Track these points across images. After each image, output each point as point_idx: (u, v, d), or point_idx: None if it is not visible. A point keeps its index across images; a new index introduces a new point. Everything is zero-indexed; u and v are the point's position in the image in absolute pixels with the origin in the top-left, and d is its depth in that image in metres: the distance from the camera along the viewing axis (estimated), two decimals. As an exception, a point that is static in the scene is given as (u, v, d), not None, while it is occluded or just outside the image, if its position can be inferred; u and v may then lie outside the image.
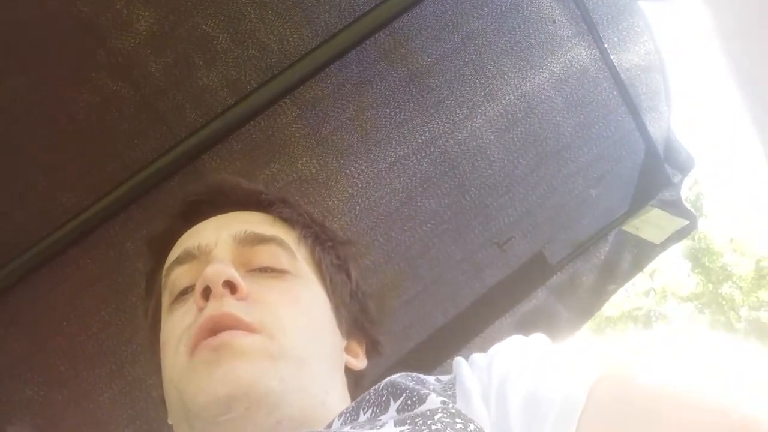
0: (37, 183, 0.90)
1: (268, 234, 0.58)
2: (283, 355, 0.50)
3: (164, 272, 0.60)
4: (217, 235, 0.58)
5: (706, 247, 7.07)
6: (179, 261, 0.58)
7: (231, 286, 0.52)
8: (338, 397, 0.55)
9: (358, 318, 0.64)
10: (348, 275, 0.65)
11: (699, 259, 7.21)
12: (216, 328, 0.49)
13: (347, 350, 0.61)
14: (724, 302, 7.31)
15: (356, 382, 0.62)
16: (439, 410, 0.40)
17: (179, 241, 0.61)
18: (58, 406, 0.91)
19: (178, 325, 0.54)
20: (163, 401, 0.56)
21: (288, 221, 0.62)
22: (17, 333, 0.90)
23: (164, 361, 0.54)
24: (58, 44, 0.88)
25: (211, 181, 0.75)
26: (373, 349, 0.66)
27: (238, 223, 0.59)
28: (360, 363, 0.62)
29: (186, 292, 0.56)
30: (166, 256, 0.61)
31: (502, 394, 0.42)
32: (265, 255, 0.57)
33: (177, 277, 0.57)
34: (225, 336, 0.48)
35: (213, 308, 0.50)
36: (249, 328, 0.49)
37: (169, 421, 0.55)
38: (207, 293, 0.51)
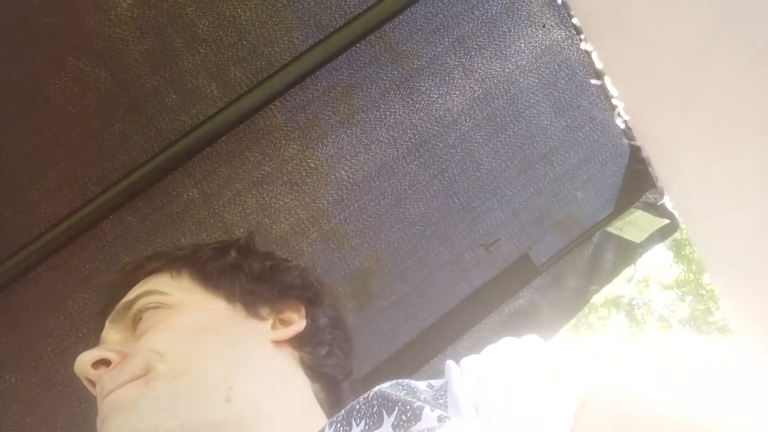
0: (26, 184, 0.89)
1: (132, 296, 0.62)
2: (159, 377, 0.53)
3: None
4: (105, 331, 0.63)
5: (688, 238, 7.20)
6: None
7: (104, 362, 0.56)
8: (254, 385, 0.56)
9: (272, 291, 0.66)
10: (239, 269, 0.66)
11: (681, 249, 7.35)
12: (103, 394, 0.54)
13: (280, 322, 0.63)
14: (704, 292, 7.48)
15: (311, 342, 0.63)
16: (436, 428, 0.40)
17: None
18: (49, 407, 0.91)
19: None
20: None
21: (156, 271, 0.66)
22: (7, 334, 0.90)
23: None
24: (42, 37, 0.87)
25: (101, 286, 0.82)
26: (313, 304, 0.67)
27: (112, 312, 0.64)
28: (294, 328, 0.63)
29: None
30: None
31: (492, 404, 0.42)
32: (140, 309, 0.61)
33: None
34: (105, 401, 0.53)
35: (99, 392, 0.55)
36: (120, 382, 0.53)
37: None
38: (91, 382, 0.56)
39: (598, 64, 1.15)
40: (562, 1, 1.11)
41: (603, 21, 0.16)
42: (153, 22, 0.90)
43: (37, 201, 0.89)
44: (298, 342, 0.62)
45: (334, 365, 0.65)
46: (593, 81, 1.16)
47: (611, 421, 0.38)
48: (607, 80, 1.17)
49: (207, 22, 0.93)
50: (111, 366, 0.55)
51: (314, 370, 0.63)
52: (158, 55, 0.92)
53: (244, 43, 0.96)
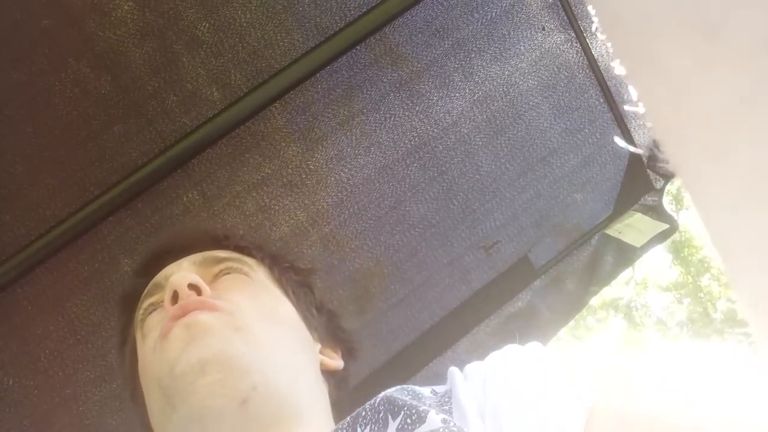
0: (25, 186, 0.89)
1: (224, 255, 0.64)
2: (244, 328, 0.53)
3: (138, 316, 0.63)
4: (178, 265, 0.63)
5: (687, 240, 7.21)
6: (148, 293, 0.63)
7: (196, 289, 0.56)
8: (311, 384, 0.57)
9: (328, 327, 0.70)
10: (311, 290, 0.70)
11: (679, 251, 7.35)
12: (184, 312, 0.53)
13: (322, 352, 0.65)
14: (702, 294, 7.48)
15: (337, 385, 0.65)
16: (441, 429, 0.40)
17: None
18: (47, 410, 0.91)
19: (152, 326, 0.58)
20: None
21: (243, 250, 0.67)
22: (6, 336, 0.90)
23: (145, 367, 0.57)
24: (42, 39, 0.87)
25: (167, 233, 0.83)
26: (348, 355, 0.71)
27: (196, 255, 0.65)
28: (336, 362, 0.66)
29: (155, 305, 0.61)
30: (135, 312, 0.65)
31: (497, 413, 0.42)
32: (224, 269, 0.62)
33: (147, 305, 0.61)
34: (194, 314, 0.53)
35: (178, 310, 0.54)
36: (213, 307, 0.54)
37: (154, 428, 0.57)
38: (176, 298, 0.55)
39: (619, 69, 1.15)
40: (562, 4, 1.11)
41: (638, 55, 0.16)
42: (153, 24, 0.90)
43: (36, 203, 0.89)
44: (330, 376, 0.65)
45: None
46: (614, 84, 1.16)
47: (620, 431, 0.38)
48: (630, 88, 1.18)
49: (207, 25, 0.93)
50: (203, 297, 0.55)
51: (334, 405, 0.65)
52: (158, 58, 0.92)
53: (244, 45, 0.96)
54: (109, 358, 0.92)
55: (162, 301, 0.58)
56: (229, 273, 0.61)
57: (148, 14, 0.90)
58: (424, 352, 1.13)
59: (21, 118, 0.87)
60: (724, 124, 0.14)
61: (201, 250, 0.65)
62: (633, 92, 1.20)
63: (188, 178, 0.97)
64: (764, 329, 0.17)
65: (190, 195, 0.97)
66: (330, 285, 1.04)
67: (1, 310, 0.90)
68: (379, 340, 1.10)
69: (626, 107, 1.14)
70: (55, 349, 0.91)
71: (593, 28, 1.13)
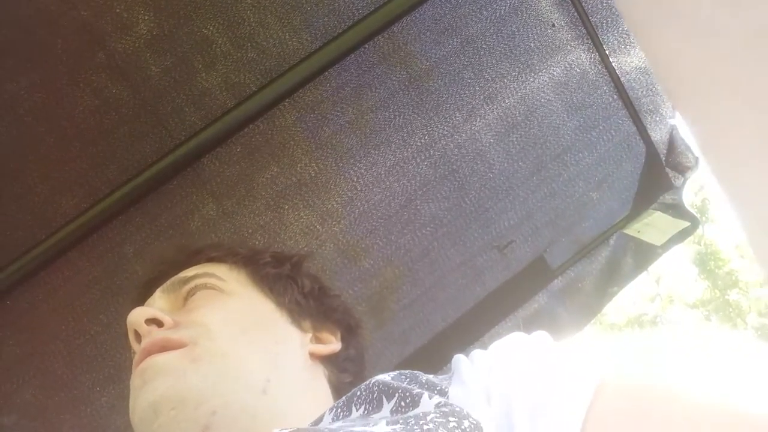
0: (36, 185, 0.90)
1: (191, 274, 0.63)
2: (205, 355, 0.53)
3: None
4: (151, 298, 0.64)
5: (713, 253, 7.03)
6: (132, 339, 0.63)
7: (156, 322, 0.57)
8: (292, 383, 0.57)
9: (318, 310, 0.68)
10: (293, 281, 0.68)
11: (705, 265, 7.16)
12: (142, 356, 0.54)
13: (316, 339, 0.65)
14: (731, 309, 7.25)
15: (341, 367, 0.65)
16: (432, 411, 0.40)
17: None
18: (55, 410, 0.90)
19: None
20: None
21: (215, 259, 0.67)
22: (15, 336, 0.90)
23: None
24: (58, 47, 0.88)
25: (152, 259, 0.82)
26: (349, 333, 0.70)
27: (165, 282, 0.65)
28: (330, 347, 0.65)
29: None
30: None
31: (506, 393, 0.41)
32: (192, 288, 0.62)
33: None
34: (149, 359, 0.53)
35: (141, 350, 0.55)
36: (175, 345, 0.53)
37: None
38: (138, 337, 0.56)
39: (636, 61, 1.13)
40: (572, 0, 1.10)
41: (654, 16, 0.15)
42: (164, 25, 0.92)
43: (46, 201, 0.90)
44: (328, 361, 0.64)
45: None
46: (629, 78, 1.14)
47: (626, 408, 0.37)
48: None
49: (217, 25, 0.94)
50: (165, 327, 0.56)
51: (337, 390, 0.64)
52: (169, 58, 0.93)
53: (254, 45, 0.96)
54: (118, 358, 0.92)
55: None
56: (197, 291, 0.62)
57: (160, 15, 0.92)
58: (437, 355, 1.10)
59: (34, 118, 0.89)
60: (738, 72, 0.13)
61: (174, 273, 0.66)
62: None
63: (198, 177, 0.97)
64: None
65: (199, 194, 0.97)
66: (339, 285, 1.02)
67: (11, 310, 0.90)
68: (391, 342, 1.08)
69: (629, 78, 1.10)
70: (64, 349, 0.91)
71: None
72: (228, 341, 0.55)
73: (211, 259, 0.67)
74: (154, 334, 0.55)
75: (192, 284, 0.62)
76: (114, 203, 0.91)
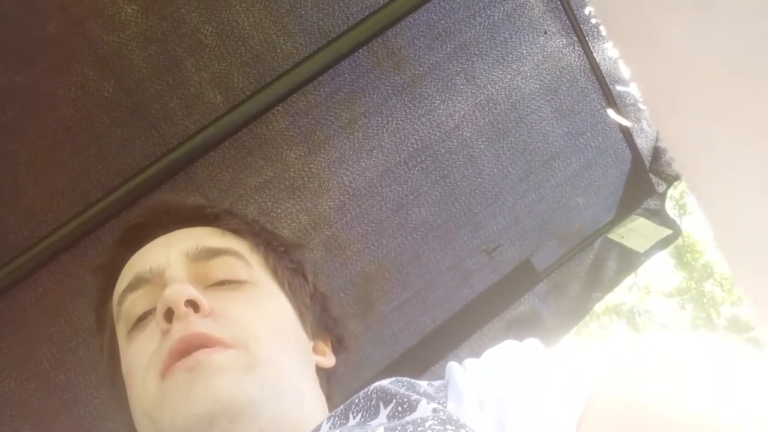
0: (27, 189, 0.89)
1: (221, 246, 0.57)
2: (258, 363, 0.49)
3: (116, 301, 0.57)
4: (167, 255, 0.56)
5: (689, 245, 7.20)
6: (131, 287, 0.56)
7: (193, 305, 0.50)
8: (313, 398, 0.55)
9: (321, 318, 0.64)
10: (305, 278, 0.64)
11: (682, 257, 7.34)
12: (188, 348, 0.47)
13: (315, 350, 0.61)
14: (705, 300, 7.46)
15: (327, 380, 0.61)
16: (430, 417, 0.40)
17: (126, 267, 0.59)
18: (48, 413, 0.91)
19: (142, 351, 0.52)
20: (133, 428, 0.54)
21: (237, 232, 0.61)
22: (8, 339, 0.90)
23: (131, 391, 0.52)
24: (48, 49, 0.87)
25: (153, 201, 0.73)
26: (338, 346, 0.65)
27: (187, 240, 0.57)
28: (329, 361, 0.62)
29: (144, 317, 0.54)
30: (114, 287, 0.59)
31: (498, 400, 0.42)
32: (221, 268, 0.56)
33: (131, 303, 0.55)
34: (200, 355, 0.47)
35: (181, 329, 0.48)
36: (221, 344, 0.48)
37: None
38: (170, 315, 0.50)
39: (624, 72, 1.15)
40: (564, 7, 1.11)
41: (631, 32, 0.16)
42: (157, 28, 0.91)
43: (38, 205, 0.89)
44: (322, 372, 0.61)
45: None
46: (618, 87, 1.16)
47: (616, 419, 0.38)
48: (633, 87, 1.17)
49: (210, 28, 0.94)
50: (200, 314, 0.50)
51: (329, 399, 0.61)
52: (161, 61, 0.92)
53: (247, 48, 0.96)
54: (111, 360, 0.92)
55: (150, 311, 0.53)
56: (220, 269, 0.55)
57: (152, 18, 0.91)
58: (426, 356, 1.13)
59: (24, 122, 0.87)
60: (720, 94, 0.14)
61: (187, 226, 0.59)
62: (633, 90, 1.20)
63: (190, 181, 0.97)
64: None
65: (192, 198, 0.97)
66: (332, 288, 1.04)
67: (3, 313, 0.90)
68: (381, 343, 1.10)
69: (618, 87, 1.13)
70: (56, 352, 0.91)
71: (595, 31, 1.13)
72: (275, 351, 0.51)
73: (233, 231, 0.60)
74: (191, 321, 0.48)
75: (219, 260, 0.55)
76: (106, 207, 0.90)
